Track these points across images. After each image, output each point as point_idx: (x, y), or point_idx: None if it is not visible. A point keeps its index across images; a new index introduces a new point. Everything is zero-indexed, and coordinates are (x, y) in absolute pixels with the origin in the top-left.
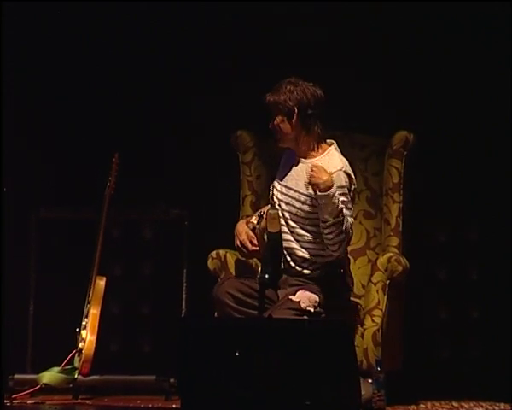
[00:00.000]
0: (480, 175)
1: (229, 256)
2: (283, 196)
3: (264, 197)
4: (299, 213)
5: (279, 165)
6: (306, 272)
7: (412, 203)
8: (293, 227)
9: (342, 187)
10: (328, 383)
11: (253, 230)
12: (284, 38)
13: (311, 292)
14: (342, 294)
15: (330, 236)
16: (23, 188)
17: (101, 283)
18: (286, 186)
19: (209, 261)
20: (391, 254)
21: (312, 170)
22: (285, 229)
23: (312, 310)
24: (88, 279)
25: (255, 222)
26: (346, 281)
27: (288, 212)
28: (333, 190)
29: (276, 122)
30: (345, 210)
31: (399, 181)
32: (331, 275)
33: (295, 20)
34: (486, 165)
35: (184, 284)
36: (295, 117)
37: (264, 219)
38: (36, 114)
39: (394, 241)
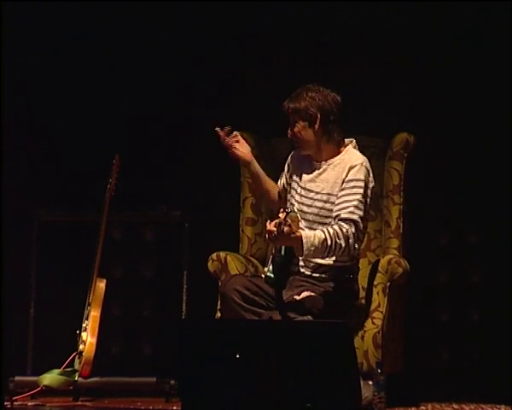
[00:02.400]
0: (481, 177)
1: (229, 258)
2: (304, 199)
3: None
4: (322, 212)
5: (288, 167)
6: (316, 275)
7: (412, 205)
8: (315, 230)
9: (361, 180)
10: (329, 386)
11: (280, 225)
12: (285, 40)
13: (317, 294)
14: (348, 298)
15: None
16: (24, 190)
17: (101, 285)
18: (305, 189)
19: (209, 263)
20: (391, 256)
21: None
22: None
23: (316, 311)
24: (88, 281)
25: (282, 217)
26: (354, 287)
27: (311, 213)
28: (304, 249)
29: (296, 129)
30: (351, 213)
31: (400, 183)
32: (340, 279)
33: (296, 21)
34: (487, 166)
35: (185, 286)
36: (318, 124)
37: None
38: (36, 115)
39: (395, 243)
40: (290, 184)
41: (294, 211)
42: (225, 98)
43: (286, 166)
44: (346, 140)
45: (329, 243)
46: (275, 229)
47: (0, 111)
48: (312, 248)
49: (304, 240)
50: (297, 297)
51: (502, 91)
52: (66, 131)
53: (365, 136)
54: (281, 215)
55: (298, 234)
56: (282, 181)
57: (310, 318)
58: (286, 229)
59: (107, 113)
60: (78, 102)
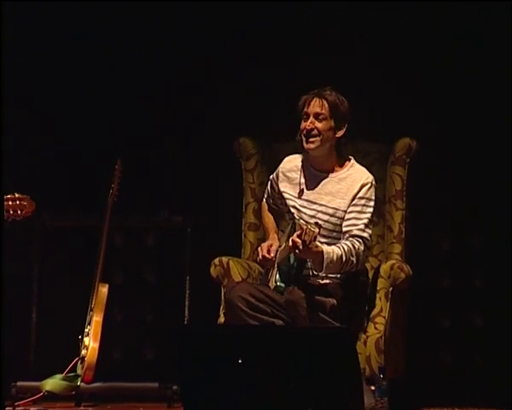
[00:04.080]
0: (483, 182)
1: (231, 263)
2: (305, 209)
3: None
4: (327, 225)
5: (274, 183)
6: (331, 275)
7: (414, 210)
8: (321, 243)
9: (372, 200)
10: (331, 391)
11: (301, 236)
12: (286, 44)
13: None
14: (360, 299)
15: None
16: (26, 195)
17: (103, 290)
18: (308, 200)
19: (212, 268)
20: (394, 261)
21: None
22: None
23: (341, 295)
24: (91, 286)
25: (306, 229)
26: (367, 291)
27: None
28: (324, 264)
29: (323, 126)
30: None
31: (402, 188)
32: (354, 281)
33: (297, 25)
34: (488, 171)
35: (187, 291)
36: (342, 132)
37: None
38: (38, 120)
39: (397, 248)
40: (282, 197)
41: (314, 225)
42: (226, 103)
43: (272, 182)
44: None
45: (344, 259)
46: (300, 240)
47: (2, 117)
48: (331, 265)
49: (325, 256)
50: (320, 281)
51: (503, 94)
52: (68, 136)
53: (367, 141)
54: (304, 227)
55: (320, 248)
56: (271, 196)
57: (334, 301)
58: (308, 240)
59: (110, 118)
60: (81, 107)
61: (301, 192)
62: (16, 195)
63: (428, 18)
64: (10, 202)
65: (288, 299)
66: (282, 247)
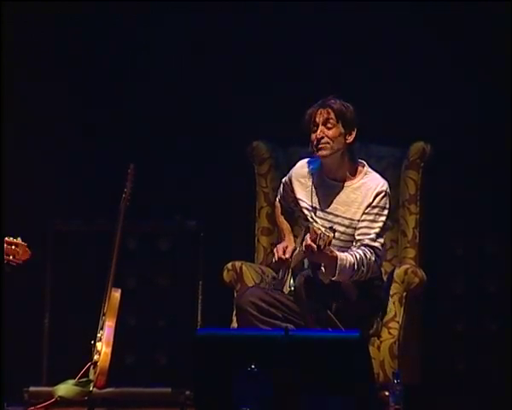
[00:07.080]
0: (498, 187)
1: (244, 268)
2: (323, 221)
3: None
4: (343, 236)
5: (290, 188)
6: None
7: (429, 215)
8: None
9: (386, 209)
10: (344, 396)
11: (315, 239)
12: (300, 50)
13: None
14: (373, 304)
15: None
16: (38, 201)
17: (116, 295)
18: (324, 211)
19: (225, 273)
20: (408, 265)
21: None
22: None
23: (354, 298)
24: (103, 291)
25: (320, 233)
26: (381, 295)
27: None
28: (337, 270)
29: (332, 133)
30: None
31: (416, 192)
32: (368, 284)
33: (309, 32)
34: (505, 176)
35: (200, 296)
36: (352, 138)
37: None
38: (50, 126)
39: (411, 253)
40: (299, 205)
41: (329, 230)
42: (241, 106)
43: (285, 185)
44: (359, 161)
45: (356, 267)
46: (314, 245)
47: (4, 121)
48: (343, 271)
49: (339, 262)
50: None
51: None
52: (81, 140)
53: (381, 145)
54: (318, 231)
55: (334, 253)
56: (284, 198)
57: (342, 301)
58: (322, 245)
59: (123, 122)
60: (93, 111)
61: (316, 203)
62: (17, 239)
63: (440, 24)
64: (7, 245)
65: (297, 283)
66: (297, 251)
